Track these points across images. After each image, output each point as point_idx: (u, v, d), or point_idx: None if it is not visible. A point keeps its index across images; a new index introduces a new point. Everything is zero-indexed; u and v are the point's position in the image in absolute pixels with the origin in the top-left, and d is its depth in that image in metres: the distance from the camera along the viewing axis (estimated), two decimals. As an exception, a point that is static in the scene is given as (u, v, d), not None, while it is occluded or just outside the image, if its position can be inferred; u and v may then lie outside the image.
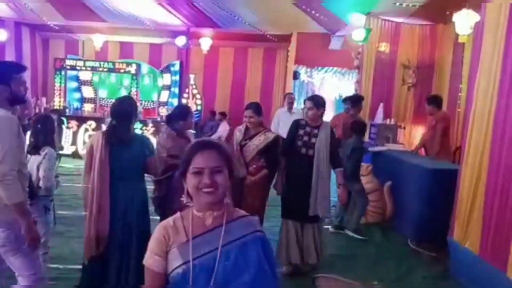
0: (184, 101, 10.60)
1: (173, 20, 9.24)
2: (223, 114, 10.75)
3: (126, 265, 2.81)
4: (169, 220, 1.49)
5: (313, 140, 3.80)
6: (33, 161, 3.13)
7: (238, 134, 3.95)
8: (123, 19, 9.21)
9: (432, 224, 4.53)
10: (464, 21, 5.47)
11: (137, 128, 9.23)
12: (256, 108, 3.94)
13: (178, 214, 1.50)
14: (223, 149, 1.48)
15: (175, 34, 9.94)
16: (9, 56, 9.85)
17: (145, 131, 9.28)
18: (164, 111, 10.46)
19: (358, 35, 7.25)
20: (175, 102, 10.60)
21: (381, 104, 6.88)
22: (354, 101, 5.83)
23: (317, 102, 3.88)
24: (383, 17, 7.23)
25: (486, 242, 3.36)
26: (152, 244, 1.46)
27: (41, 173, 3.11)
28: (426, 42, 7.42)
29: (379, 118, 6.73)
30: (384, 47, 7.32)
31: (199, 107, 10.92)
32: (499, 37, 3.54)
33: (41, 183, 3.10)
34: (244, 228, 1.47)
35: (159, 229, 1.48)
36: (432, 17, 6.98)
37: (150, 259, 1.44)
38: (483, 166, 3.57)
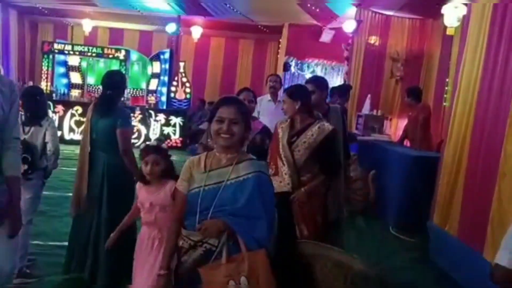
0: (173, 89, 10.55)
1: (164, 6, 9.18)
2: (212, 104, 10.72)
3: (98, 221, 3.07)
4: (197, 156, 1.98)
5: None
6: (36, 132, 3.15)
7: (281, 131, 2.84)
8: (113, 3, 9.13)
9: (413, 210, 4.61)
10: (452, 13, 5.54)
11: (125, 114, 9.18)
12: (294, 91, 2.87)
13: (205, 152, 1.97)
14: (243, 106, 1.94)
15: (165, 21, 9.87)
16: (-4, 39, 9.72)
17: (132, 119, 9.21)
18: (152, 99, 10.41)
19: (349, 26, 7.30)
20: (164, 90, 10.55)
21: (369, 96, 6.93)
22: (342, 91, 5.86)
23: (321, 84, 3.26)
24: (374, 9, 7.27)
25: (464, 225, 3.43)
26: (182, 171, 1.97)
27: (48, 138, 3.18)
28: (415, 35, 7.47)
29: (366, 109, 6.79)
30: (374, 39, 7.37)
31: (188, 96, 10.87)
32: (483, 29, 3.60)
33: (49, 148, 3.17)
34: (249, 168, 1.85)
35: (187, 161, 1.97)
36: (421, 11, 7.03)
37: (180, 183, 1.95)
38: (464, 153, 3.64)
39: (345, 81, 7.76)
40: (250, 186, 1.80)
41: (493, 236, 3.02)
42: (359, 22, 7.19)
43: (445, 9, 5.62)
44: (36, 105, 3.26)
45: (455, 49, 6.31)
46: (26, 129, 3.22)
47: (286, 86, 10.36)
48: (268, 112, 4.46)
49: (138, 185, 2.51)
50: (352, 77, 7.35)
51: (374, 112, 6.75)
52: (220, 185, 1.83)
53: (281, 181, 2.69)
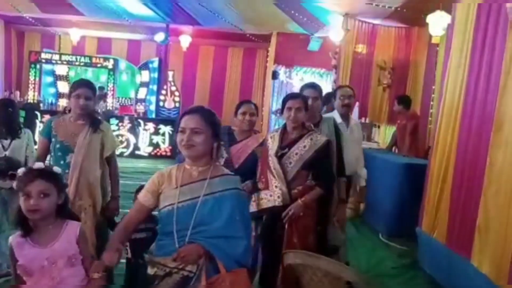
0: (162, 98, 10.52)
1: (153, 16, 9.18)
2: None
3: None
4: (167, 169, 1.85)
5: None
6: (17, 146, 3.16)
7: (271, 141, 2.72)
8: (101, 13, 9.10)
9: (403, 217, 4.63)
10: (437, 22, 5.63)
11: (114, 124, 9.12)
12: (304, 98, 2.78)
13: (176, 165, 1.85)
14: (207, 114, 1.80)
15: (154, 30, 9.87)
16: (-18, 48, 9.61)
17: (121, 128, 9.17)
18: (141, 108, 10.37)
19: (336, 35, 7.37)
20: (153, 99, 10.52)
21: (357, 103, 6.98)
22: (326, 98, 5.92)
23: (321, 91, 3.08)
24: (360, 18, 7.36)
25: (452, 231, 3.46)
26: (148, 184, 1.83)
27: (29, 153, 3.21)
28: (401, 44, 7.59)
29: (354, 116, 6.84)
30: (361, 48, 7.46)
31: (177, 105, 10.85)
32: (467, 37, 3.66)
33: (30, 163, 3.10)
34: (225, 184, 1.77)
35: (157, 174, 1.84)
36: (407, 19, 7.14)
37: (142, 194, 1.81)
38: (450, 161, 3.68)
39: (333, 89, 7.82)
40: (228, 204, 1.73)
41: (480, 243, 3.05)
42: (346, 31, 7.27)
43: (430, 18, 5.71)
44: (10, 117, 3.24)
45: (440, 57, 6.42)
46: (6, 143, 3.18)
47: (275, 94, 10.51)
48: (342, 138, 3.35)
49: (14, 241, 1.73)
50: (340, 85, 7.41)
51: (363, 120, 6.82)
52: (195, 201, 1.73)
53: (271, 195, 2.59)
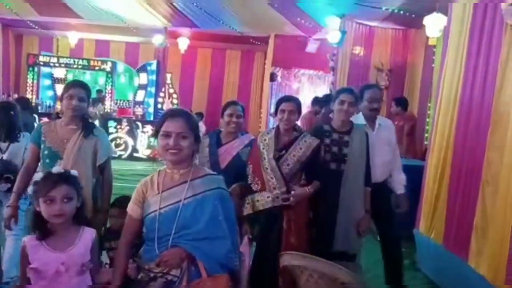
0: (160, 100, 10.53)
1: (151, 18, 9.20)
2: (199, 114, 10.73)
3: None
4: (150, 176, 1.82)
5: (344, 150, 2.85)
6: (16, 149, 3.08)
7: (263, 144, 2.74)
8: (99, 16, 9.11)
9: (401, 219, 4.63)
10: (433, 24, 5.65)
11: (112, 126, 9.13)
12: (297, 102, 2.83)
13: (157, 171, 1.81)
14: (190, 117, 1.77)
15: (152, 33, 9.88)
16: (-20, 51, 9.61)
17: (119, 130, 9.18)
18: (140, 111, 10.37)
19: (333, 37, 7.39)
20: (151, 101, 10.53)
21: (355, 105, 7.01)
22: (327, 100, 5.95)
23: (357, 96, 2.94)
24: (358, 20, 7.39)
25: (449, 232, 3.47)
26: (133, 195, 1.81)
27: (26, 157, 3.05)
28: (398, 46, 7.61)
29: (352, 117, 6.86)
30: (358, 50, 7.48)
31: (175, 107, 10.86)
32: (463, 38, 3.68)
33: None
34: (207, 184, 1.74)
35: (140, 183, 1.81)
36: (404, 21, 7.17)
37: (130, 207, 1.79)
38: (447, 162, 3.69)
39: (331, 90, 7.84)
40: (210, 204, 1.70)
41: (477, 244, 3.06)
42: (343, 33, 7.29)
43: (426, 20, 5.73)
44: (10, 120, 3.21)
45: (437, 59, 6.44)
46: (3, 146, 3.16)
47: (273, 96, 10.52)
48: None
49: (29, 243, 1.74)
50: (337, 86, 7.42)
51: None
52: (177, 205, 1.70)
53: (269, 196, 2.62)
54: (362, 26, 7.47)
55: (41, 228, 1.73)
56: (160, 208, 1.70)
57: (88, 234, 1.79)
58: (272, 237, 2.51)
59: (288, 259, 2.04)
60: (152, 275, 1.65)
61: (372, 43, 7.53)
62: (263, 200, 2.62)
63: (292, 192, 2.60)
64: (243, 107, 3.04)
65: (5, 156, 3.14)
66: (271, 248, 2.37)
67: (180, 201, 1.70)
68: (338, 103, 2.83)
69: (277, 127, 2.80)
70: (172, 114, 1.77)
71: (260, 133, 2.90)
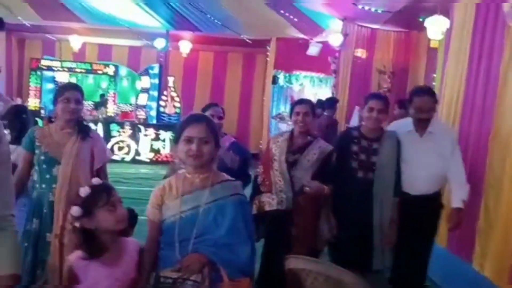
0: (162, 103, 10.56)
1: (153, 22, 9.24)
2: None
3: None
4: (167, 180, 1.82)
5: (373, 158, 2.72)
6: (21, 153, 3.07)
7: (276, 146, 2.73)
8: (102, 20, 9.15)
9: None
10: (435, 26, 5.66)
11: (115, 130, 9.16)
12: (312, 104, 2.85)
13: (174, 175, 1.81)
14: (212, 123, 1.79)
15: (154, 36, 9.92)
16: (-17, 56, 9.66)
17: (122, 134, 9.20)
18: (142, 114, 10.40)
19: (335, 40, 7.41)
20: (153, 105, 10.55)
21: (357, 107, 7.02)
22: (330, 103, 5.98)
23: (387, 102, 2.81)
24: (359, 23, 7.40)
25: (453, 236, 3.47)
26: (151, 199, 1.79)
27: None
28: (400, 48, 7.63)
29: (354, 121, 6.86)
30: (360, 52, 7.49)
31: (177, 110, 10.88)
32: (465, 40, 3.69)
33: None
34: (226, 190, 1.75)
35: (157, 188, 1.80)
36: (406, 23, 7.18)
37: (151, 212, 1.78)
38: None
39: (333, 93, 7.85)
40: (231, 210, 1.70)
41: (481, 247, 3.07)
42: (345, 35, 7.31)
43: (428, 23, 5.74)
44: (22, 124, 3.22)
45: (439, 62, 6.45)
46: (12, 148, 3.17)
47: (275, 99, 10.54)
48: (410, 149, 2.83)
49: (77, 263, 1.69)
50: (340, 89, 7.45)
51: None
52: (197, 210, 1.70)
53: (273, 199, 2.62)
54: (363, 28, 7.49)
55: (91, 245, 1.69)
56: (180, 212, 1.70)
57: (132, 245, 1.79)
58: (278, 240, 2.51)
59: (294, 262, 2.04)
60: (171, 281, 1.62)
61: (374, 46, 7.55)
62: (268, 202, 2.62)
63: (312, 182, 2.55)
64: (223, 109, 3.06)
65: (12, 159, 3.15)
66: (277, 250, 2.37)
67: (200, 205, 1.70)
68: (367, 110, 2.72)
69: (292, 130, 2.79)
70: (194, 119, 1.77)
71: (274, 135, 2.94)
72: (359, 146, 2.73)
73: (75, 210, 1.71)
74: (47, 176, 2.51)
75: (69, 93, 2.55)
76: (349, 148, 2.74)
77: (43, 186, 2.53)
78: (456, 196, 2.84)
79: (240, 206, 1.74)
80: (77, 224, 1.69)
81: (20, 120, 3.26)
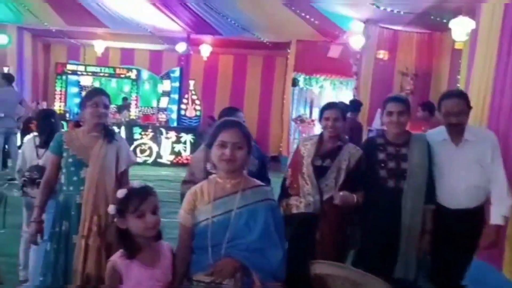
0: (183, 106, 10.67)
1: (174, 26, 9.36)
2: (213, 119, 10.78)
3: None
4: (199, 185, 1.83)
5: (403, 165, 2.56)
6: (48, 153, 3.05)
7: (304, 149, 2.70)
8: (125, 25, 9.33)
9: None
10: (460, 27, 5.56)
11: (137, 133, 9.30)
12: (341, 107, 2.78)
13: (206, 180, 1.83)
14: (245, 129, 1.81)
15: (175, 40, 10.05)
16: (11, 61, 9.94)
17: (144, 136, 9.33)
18: (163, 117, 10.52)
19: (356, 42, 7.36)
20: (174, 108, 10.67)
21: (378, 110, 6.93)
22: (355, 106, 5.93)
23: (408, 104, 2.64)
24: (381, 24, 7.33)
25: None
26: (183, 204, 1.82)
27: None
28: (423, 49, 7.52)
29: (376, 123, 6.78)
30: (382, 54, 7.42)
31: (198, 113, 10.97)
32: (491, 43, 3.60)
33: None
34: (257, 195, 1.76)
35: (189, 192, 1.82)
36: (429, 25, 7.08)
37: (183, 217, 1.79)
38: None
39: (354, 95, 7.79)
40: (262, 215, 1.71)
41: (511, 253, 2.99)
42: (366, 37, 7.25)
43: (453, 24, 5.64)
44: (51, 127, 3.29)
45: (464, 63, 6.31)
46: (41, 152, 3.22)
47: (294, 102, 10.50)
48: (446, 160, 2.62)
49: (120, 262, 1.74)
50: (361, 92, 7.39)
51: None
52: (229, 214, 1.72)
53: (301, 202, 2.61)
54: (386, 30, 7.41)
55: (130, 245, 1.73)
56: (212, 217, 1.72)
57: (166, 248, 1.82)
58: (304, 244, 2.50)
59: (320, 267, 2.03)
60: (204, 285, 1.65)
61: (396, 47, 7.46)
62: (295, 205, 2.61)
63: (340, 193, 2.49)
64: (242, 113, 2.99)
65: (41, 162, 3.22)
66: (302, 254, 2.35)
67: (231, 210, 1.71)
68: (386, 114, 2.59)
69: (321, 134, 2.75)
70: (228, 124, 1.79)
71: (302, 138, 2.91)
72: (386, 153, 2.58)
73: (111, 209, 1.78)
74: (75, 179, 2.56)
75: (98, 97, 2.60)
76: (375, 157, 2.59)
77: (71, 188, 2.57)
78: (496, 210, 2.55)
79: (272, 211, 1.76)
80: (114, 222, 1.76)
81: (48, 124, 3.32)
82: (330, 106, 2.77)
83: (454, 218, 2.54)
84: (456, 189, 2.55)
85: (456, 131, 2.61)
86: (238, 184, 1.76)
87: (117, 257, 1.76)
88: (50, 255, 2.56)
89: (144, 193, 1.76)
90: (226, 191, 1.76)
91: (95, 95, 2.63)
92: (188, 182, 2.62)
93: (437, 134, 2.71)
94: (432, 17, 6.46)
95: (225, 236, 1.69)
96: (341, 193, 2.51)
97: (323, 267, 2.03)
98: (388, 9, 6.46)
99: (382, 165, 2.56)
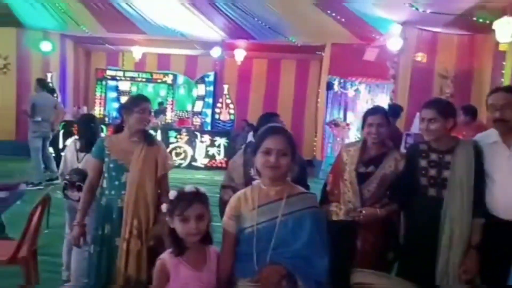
0: (217, 110, 10.78)
1: (209, 32, 9.49)
2: (250, 125, 10.77)
3: None
4: (242, 191, 1.83)
5: (445, 173, 2.42)
6: (88, 157, 3.09)
7: (347, 155, 2.65)
8: (161, 31, 9.54)
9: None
10: (504, 28, 5.35)
11: (172, 136, 9.47)
12: (385, 113, 2.66)
13: (250, 186, 1.83)
14: (290, 136, 1.79)
15: (210, 45, 10.19)
16: (54, 67, 10.37)
17: (179, 140, 9.49)
18: (198, 121, 10.68)
19: (394, 44, 7.21)
20: (209, 112, 10.81)
21: (417, 114, 6.74)
22: (395, 111, 5.73)
23: (443, 109, 2.43)
24: (420, 26, 7.16)
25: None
26: (227, 210, 1.81)
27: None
28: (464, 51, 7.28)
29: (415, 128, 6.60)
30: (421, 56, 7.23)
31: (232, 117, 11.07)
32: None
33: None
34: (302, 202, 1.74)
35: (233, 198, 1.82)
36: (470, 26, 6.84)
37: (227, 223, 1.79)
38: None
39: (391, 99, 7.63)
40: (308, 223, 1.70)
41: None
42: (404, 39, 7.09)
43: (496, 25, 5.43)
44: (91, 132, 3.38)
45: (508, 65, 6.07)
46: (81, 156, 3.30)
47: (329, 105, 10.39)
48: (497, 164, 2.39)
49: (170, 260, 1.77)
50: (399, 95, 7.23)
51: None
52: (274, 222, 1.71)
53: (341, 209, 2.57)
54: (424, 32, 7.23)
55: (178, 244, 1.77)
56: (257, 224, 1.71)
57: (213, 252, 1.82)
58: (344, 252, 2.44)
59: (360, 276, 1.99)
60: None
61: (435, 50, 7.27)
62: (336, 211, 2.56)
63: (362, 212, 2.47)
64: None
65: (80, 166, 3.31)
66: (341, 262, 2.29)
67: (276, 217, 1.70)
68: (420, 121, 2.49)
69: (364, 140, 2.67)
70: (273, 131, 1.77)
71: (345, 144, 2.84)
72: (428, 160, 2.46)
73: (164, 207, 1.83)
74: (116, 183, 2.60)
75: (145, 104, 2.66)
76: (417, 164, 2.47)
77: (112, 192, 2.63)
78: None
79: (317, 219, 1.74)
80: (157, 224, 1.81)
81: (88, 128, 3.41)
82: (373, 111, 2.68)
83: (509, 229, 2.32)
84: (510, 196, 2.32)
85: (507, 130, 2.37)
86: (283, 191, 1.75)
87: (166, 255, 1.79)
88: (93, 257, 2.64)
89: (190, 199, 1.76)
90: (270, 198, 1.75)
91: (142, 101, 2.68)
92: (227, 187, 2.65)
93: (487, 136, 2.50)
94: (474, 18, 6.24)
95: (270, 243, 1.68)
96: (363, 211, 2.48)
97: (364, 276, 1.99)
98: (427, 11, 6.29)
99: (423, 172, 2.45)
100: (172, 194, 1.80)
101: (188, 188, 1.80)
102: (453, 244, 2.33)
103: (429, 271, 2.37)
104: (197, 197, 1.77)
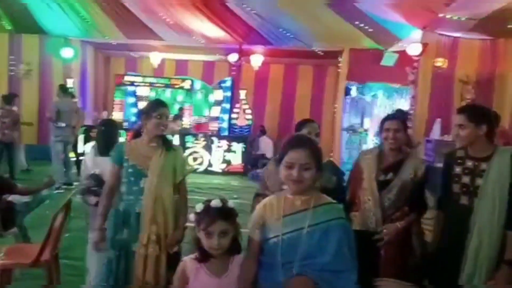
0: (234, 116, 10.80)
1: (226, 37, 9.54)
2: (262, 131, 10.78)
3: None
4: (267, 199, 1.81)
5: (478, 181, 2.33)
6: (106, 163, 3.07)
7: (365, 163, 2.62)
8: (179, 37, 9.63)
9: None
10: (529, 33, 5.22)
11: (190, 141, 9.53)
12: (403, 118, 2.72)
13: (275, 195, 1.81)
14: (314, 147, 1.73)
15: (227, 51, 10.23)
16: (75, 73, 10.56)
17: (196, 145, 9.54)
18: (215, 126, 10.71)
19: (413, 50, 7.11)
20: (226, 117, 10.85)
21: (438, 120, 6.64)
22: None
23: (473, 115, 2.36)
24: (440, 31, 7.05)
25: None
26: (253, 218, 1.81)
27: None
28: (486, 57, 7.14)
29: (435, 134, 6.50)
30: (441, 62, 7.12)
31: (249, 122, 11.07)
32: None
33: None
34: (329, 213, 1.70)
35: (259, 206, 1.81)
36: (492, 31, 6.71)
37: (253, 232, 1.77)
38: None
39: (411, 105, 7.53)
40: (335, 235, 1.66)
41: None
42: (424, 45, 6.99)
43: (520, 29, 5.31)
44: (110, 136, 3.37)
45: (533, 70, 5.94)
46: (98, 160, 3.25)
47: (346, 111, 10.30)
48: None
49: (191, 265, 1.81)
50: (419, 100, 7.13)
51: (445, 137, 6.45)
52: (299, 232, 1.68)
53: (362, 219, 2.52)
54: (444, 37, 7.12)
55: (202, 250, 1.78)
56: (282, 234, 1.69)
57: (237, 260, 1.82)
58: (367, 261, 2.39)
59: (385, 286, 1.94)
60: None
61: (456, 55, 7.14)
62: (356, 221, 2.52)
63: (384, 231, 2.44)
64: (318, 124, 2.91)
65: (97, 171, 3.33)
66: (367, 273, 2.25)
67: (303, 228, 1.67)
68: (454, 127, 2.45)
69: (381, 146, 2.65)
70: (296, 144, 1.73)
71: (362, 151, 2.78)
72: (463, 167, 2.38)
73: (191, 216, 1.85)
74: (135, 188, 2.61)
75: (163, 109, 2.67)
76: (452, 170, 2.41)
77: (131, 197, 2.64)
78: None
79: (344, 230, 1.70)
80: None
81: (106, 133, 3.42)
82: (391, 116, 2.67)
83: None
84: None
85: None
86: (309, 201, 1.72)
87: (188, 259, 1.82)
88: (112, 262, 2.64)
89: (214, 216, 1.75)
90: (296, 207, 1.72)
91: (161, 107, 2.68)
92: (261, 195, 2.58)
93: None
94: (496, 23, 6.11)
95: (296, 254, 1.65)
96: (384, 229, 2.45)
97: (388, 286, 1.94)
98: (448, 16, 6.20)
99: (456, 179, 2.39)
100: (199, 207, 1.80)
101: (214, 202, 1.79)
102: (479, 256, 2.24)
103: (457, 282, 2.29)
104: (222, 213, 1.76)
